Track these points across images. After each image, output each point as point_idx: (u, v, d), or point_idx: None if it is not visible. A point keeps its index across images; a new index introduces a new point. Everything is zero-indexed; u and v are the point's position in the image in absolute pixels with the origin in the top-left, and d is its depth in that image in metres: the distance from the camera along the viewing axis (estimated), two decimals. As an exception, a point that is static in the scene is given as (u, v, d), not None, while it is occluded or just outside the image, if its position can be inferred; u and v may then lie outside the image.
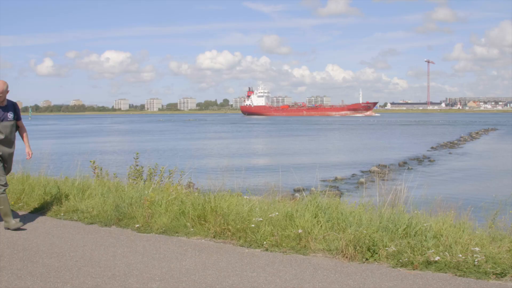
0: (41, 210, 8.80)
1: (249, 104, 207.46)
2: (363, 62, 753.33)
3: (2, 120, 7.48)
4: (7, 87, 7.51)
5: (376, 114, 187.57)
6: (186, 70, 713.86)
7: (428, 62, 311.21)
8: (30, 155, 7.99)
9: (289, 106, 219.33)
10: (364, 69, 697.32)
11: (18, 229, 7.42)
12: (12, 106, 7.67)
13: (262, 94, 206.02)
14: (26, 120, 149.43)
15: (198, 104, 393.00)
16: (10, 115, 7.59)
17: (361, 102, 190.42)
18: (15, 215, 8.19)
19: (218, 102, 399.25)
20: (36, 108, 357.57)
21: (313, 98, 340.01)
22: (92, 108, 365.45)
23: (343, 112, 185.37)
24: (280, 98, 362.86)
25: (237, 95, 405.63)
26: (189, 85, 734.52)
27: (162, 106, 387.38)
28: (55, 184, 9.33)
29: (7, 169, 7.78)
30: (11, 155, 7.73)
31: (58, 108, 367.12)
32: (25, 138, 7.96)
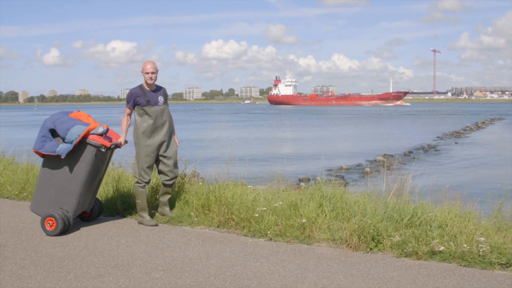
0: (45, 199, 8.79)
1: (277, 93, 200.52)
2: (369, 51, 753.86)
3: (153, 105, 7.11)
4: (156, 67, 7.17)
5: (407, 104, 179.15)
6: (192, 60, 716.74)
7: (434, 51, 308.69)
8: (177, 144, 7.41)
9: (317, 95, 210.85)
10: (370, 58, 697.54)
11: (153, 225, 7.08)
12: (162, 91, 7.30)
13: (290, 83, 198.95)
14: (32, 110, 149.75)
15: (204, 94, 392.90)
16: (161, 99, 7.19)
17: (391, 91, 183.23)
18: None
19: (224, 92, 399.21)
20: (42, 98, 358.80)
21: (318, 87, 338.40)
22: (97, 98, 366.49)
23: (373, 102, 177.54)
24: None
25: (243, 85, 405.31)
26: (195, 74, 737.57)
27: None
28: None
29: (168, 163, 7.20)
30: (168, 144, 7.21)
31: (64, 98, 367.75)
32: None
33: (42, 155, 6.85)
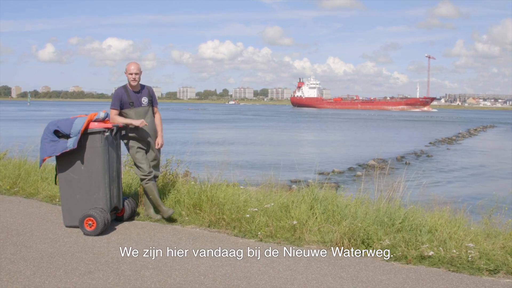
0: (36, 195, 8.78)
1: (300, 96, 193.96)
2: (365, 55, 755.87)
3: (136, 106, 7.12)
4: (140, 68, 7.19)
5: (434, 110, 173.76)
6: (187, 59, 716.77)
7: (429, 57, 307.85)
8: (159, 145, 7.33)
9: (342, 98, 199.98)
10: (365, 62, 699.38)
11: (169, 217, 7.14)
12: (147, 91, 7.28)
13: (314, 86, 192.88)
14: (25, 106, 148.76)
15: (198, 94, 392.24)
16: (145, 100, 7.20)
17: (418, 96, 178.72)
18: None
19: (218, 92, 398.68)
20: (35, 94, 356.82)
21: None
22: (91, 95, 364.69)
23: (399, 107, 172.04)
24: (280, 90, 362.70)
25: (238, 86, 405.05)
26: (190, 74, 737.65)
27: (162, 94, 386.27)
28: (52, 170, 9.30)
29: (153, 158, 7.30)
30: (151, 144, 7.26)
31: (57, 94, 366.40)
32: (158, 127, 7.38)
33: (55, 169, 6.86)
